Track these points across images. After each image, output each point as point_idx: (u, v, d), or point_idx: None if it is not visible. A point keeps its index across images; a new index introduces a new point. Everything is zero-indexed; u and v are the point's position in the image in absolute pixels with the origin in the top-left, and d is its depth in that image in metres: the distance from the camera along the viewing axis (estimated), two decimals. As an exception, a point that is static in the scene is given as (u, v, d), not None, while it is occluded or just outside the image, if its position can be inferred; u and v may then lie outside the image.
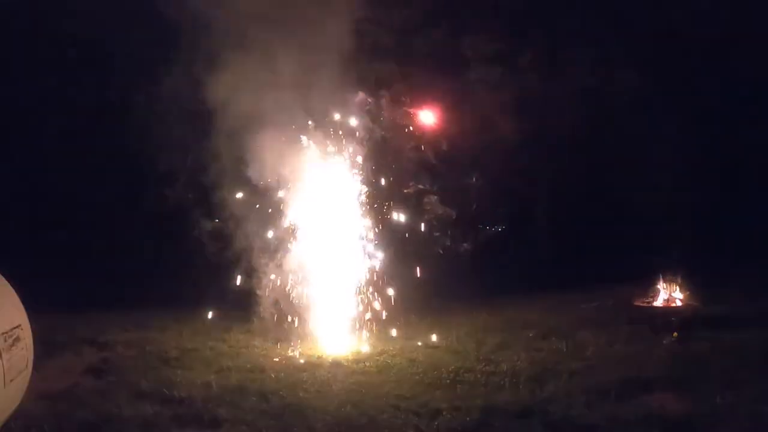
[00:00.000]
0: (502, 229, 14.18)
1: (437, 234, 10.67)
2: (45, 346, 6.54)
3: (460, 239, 11.82)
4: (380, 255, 9.34)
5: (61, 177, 13.31)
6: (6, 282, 5.29)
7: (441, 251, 11.09)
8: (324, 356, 8.31)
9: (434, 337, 8.97)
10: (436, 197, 10.13)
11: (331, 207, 9.14)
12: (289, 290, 9.11)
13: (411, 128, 10.00)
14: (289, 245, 9.16)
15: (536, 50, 13.30)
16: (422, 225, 10.13)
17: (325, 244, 9.09)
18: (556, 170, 14.14)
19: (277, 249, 9.16)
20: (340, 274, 9.12)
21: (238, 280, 9.30)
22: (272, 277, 9.11)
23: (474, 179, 13.59)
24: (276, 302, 9.07)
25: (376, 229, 9.42)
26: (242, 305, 9.37)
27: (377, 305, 9.30)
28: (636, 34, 13.30)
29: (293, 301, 9.09)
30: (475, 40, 12.67)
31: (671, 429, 5.63)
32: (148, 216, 12.78)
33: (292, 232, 9.18)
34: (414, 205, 10.06)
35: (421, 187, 10.10)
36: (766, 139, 13.18)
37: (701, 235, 12.34)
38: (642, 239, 12.53)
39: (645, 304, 9.80)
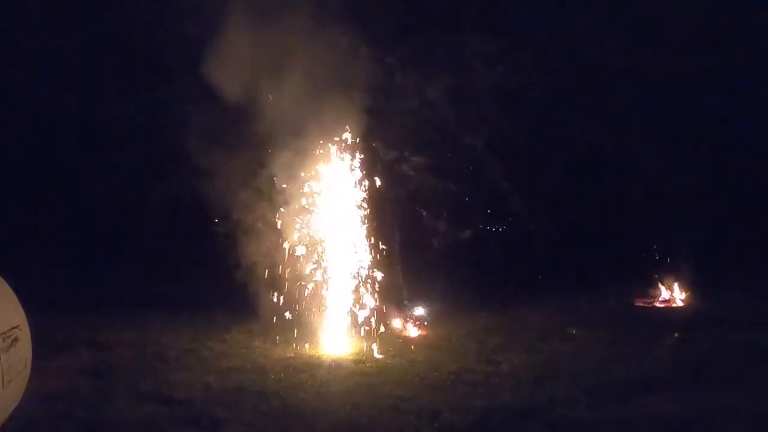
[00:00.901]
0: (502, 228, 14.11)
1: (425, 213, 10.39)
2: (44, 347, 6.50)
3: (459, 230, 11.68)
4: (380, 255, 9.32)
5: (60, 176, 13.27)
6: (4, 282, 5.26)
7: (437, 244, 10.98)
8: (324, 356, 8.29)
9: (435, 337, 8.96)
10: (422, 159, 9.78)
11: (331, 204, 9.13)
12: (289, 290, 9.09)
13: None
14: (289, 243, 9.14)
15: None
16: (409, 195, 9.88)
17: (324, 243, 9.07)
18: (558, 172, 14.04)
19: (277, 248, 9.15)
20: (340, 273, 9.10)
21: (239, 280, 9.27)
22: (272, 276, 9.09)
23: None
24: (276, 302, 9.04)
25: (376, 228, 9.38)
26: (242, 305, 9.36)
27: (376, 305, 9.27)
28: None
29: (293, 301, 9.06)
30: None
31: (671, 429, 5.63)
32: (148, 215, 12.73)
33: (291, 230, 9.17)
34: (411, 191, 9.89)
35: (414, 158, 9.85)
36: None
37: (702, 235, 12.34)
38: (643, 239, 12.52)
39: (645, 304, 9.81)
